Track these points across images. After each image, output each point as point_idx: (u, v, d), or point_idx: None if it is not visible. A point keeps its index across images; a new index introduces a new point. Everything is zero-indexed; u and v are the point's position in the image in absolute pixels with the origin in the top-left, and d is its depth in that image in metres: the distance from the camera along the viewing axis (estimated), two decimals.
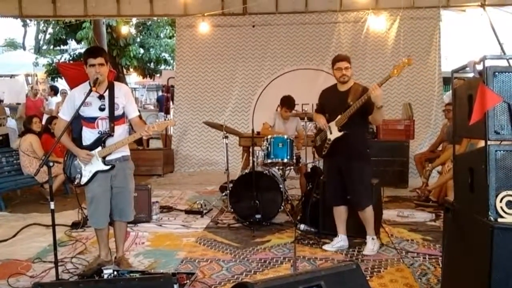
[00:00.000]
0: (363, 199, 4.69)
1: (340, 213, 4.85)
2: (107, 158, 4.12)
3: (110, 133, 4.10)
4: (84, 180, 4.13)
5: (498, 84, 2.67)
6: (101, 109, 4.09)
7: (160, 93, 18.92)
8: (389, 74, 4.41)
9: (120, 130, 4.19)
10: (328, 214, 5.07)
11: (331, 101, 4.79)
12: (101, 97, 4.09)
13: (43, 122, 8.56)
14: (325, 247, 4.84)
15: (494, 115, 2.66)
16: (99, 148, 4.10)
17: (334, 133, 4.67)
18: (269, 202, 5.70)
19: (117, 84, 4.27)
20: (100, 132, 4.11)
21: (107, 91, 4.12)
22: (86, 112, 4.08)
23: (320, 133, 4.87)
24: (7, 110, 12.34)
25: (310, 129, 7.55)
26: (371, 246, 4.69)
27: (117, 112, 4.15)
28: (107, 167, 4.13)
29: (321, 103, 4.98)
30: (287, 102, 6.65)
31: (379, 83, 4.40)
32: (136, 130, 4.22)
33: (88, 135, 4.13)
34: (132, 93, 20.98)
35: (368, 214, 4.71)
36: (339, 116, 4.61)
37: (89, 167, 4.11)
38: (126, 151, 4.27)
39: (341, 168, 4.69)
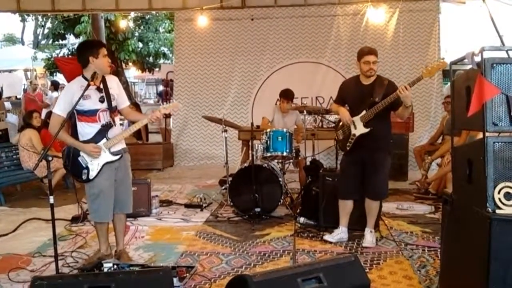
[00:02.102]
0: (383, 190, 4.72)
1: (347, 207, 4.84)
2: (113, 149, 4.12)
3: (113, 124, 4.12)
4: (93, 174, 4.07)
5: (496, 76, 2.67)
6: (101, 101, 4.08)
7: (162, 87, 18.92)
8: (421, 75, 4.31)
9: (117, 121, 4.24)
10: (327, 207, 5.09)
11: (354, 95, 4.70)
12: (99, 89, 4.09)
13: (43, 116, 8.55)
14: (326, 237, 4.86)
15: (492, 106, 2.66)
16: (104, 140, 4.08)
17: (359, 129, 4.59)
18: (268, 196, 5.71)
19: (107, 76, 4.24)
20: (102, 125, 4.08)
21: (102, 83, 4.12)
22: (87, 105, 4.02)
23: (342, 127, 4.78)
24: (9, 104, 12.34)
25: (310, 122, 7.55)
26: (370, 238, 4.70)
27: (114, 103, 4.17)
28: (116, 157, 4.13)
29: (342, 96, 4.85)
30: (285, 93, 6.63)
31: (410, 83, 4.32)
32: (130, 119, 4.22)
33: (87, 129, 4.07)
34: (131, 87, 20.86)
35: (376, 205, 4.74)
36: (364, 112, 4.53)
37: (97, 160, 4.06)
38: (124, 143, 4.30)
39: (365, 161, 4.63)
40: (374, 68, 4.56)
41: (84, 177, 4.08)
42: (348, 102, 4.79)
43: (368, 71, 4.55)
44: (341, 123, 4.84)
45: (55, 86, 13.21)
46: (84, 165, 4.07)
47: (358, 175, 4.69)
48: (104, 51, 4.09)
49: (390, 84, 4.56)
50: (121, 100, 4.28)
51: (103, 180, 4.10)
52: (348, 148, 4.71)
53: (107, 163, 4.10)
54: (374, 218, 4.77)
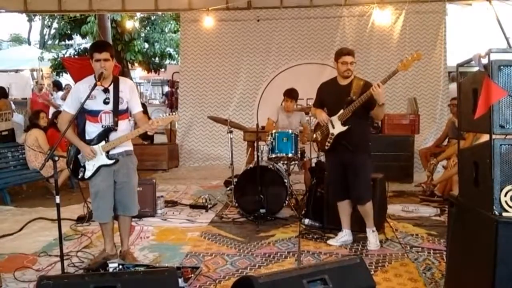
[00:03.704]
0: (365, 193, 4.68)
1: (344, 208, 4.84)
2: (111, 153, 4.13)
3: (113, 128, 4.10)
4: (88, 174, 4.14)
5: (503, 78, 2.66)
6: (106, 103, 4.09)
7: (167, 88, 18.98)
8: (396, 69, 4.38)
9: (124, 125, 4.19)
10: (332, 209, 5.07)
11: (331, 95, 4.76)
12: (106, 90, 4.09)
13: (49, 116, 8.59)
14: (330, 241, 4.84)
15: (499, 109, 2.65)
16: (103, 143, 4.10)
17: (337, 128, 4.63)
18: (273, 197, 5.71)
19: (122, 79, 4.27)
20: (103, 126, 4.10)
21: (112, 85, 4.12)
22: (90, 105, 4.06)
23: (321, 128, 4.83)
24: (13, 104, 12.38)
25: (315, 124, 7.54)
26: (373, 239, 4.68)
27: (121, 106, 4.14)
28: (111, 162, 4.13)
29: (320, 97, 4.92)
30: (288, 92, 6.60)
31: (382, 80, 4.38)
32: (140, 125, 4.21)
33: (91, 129, 4.12)
34: (137, 88, 20.97)
35: (368, 207, 4.71)
36: (341, 111, 4.58)
37: (93, 162, 4.11)
38: (129, 146, 4.28)
39: (344, 162, 4.67)
40: (351, 69, 4.64)
41: (80, 175, 4.18)
42: (326, 103, 4.83)
43: (345, 71, 4.62)
44: (318, 125, 4.88)
45: (58, 86, 13.25)
46: (81, 164, 4.15)
47: (344, 175, 4.70)
48: (96, 55, 4.02)
49: (366, 83, 4.60)
50: (132, 105, 4.25)
51: (99, 181, 4.14)
52: (326, 148, 4.74)
53: (103, 165, 4.13)
54: (370, 218, 4.74)
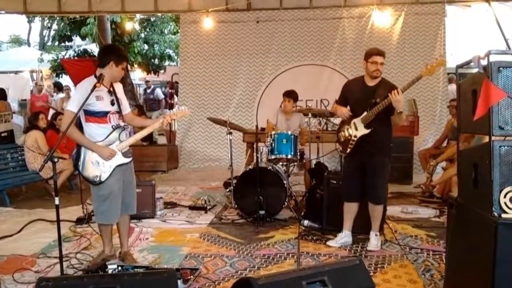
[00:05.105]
0: (383, 194, 4.70)
1: (351, 210, 4.82)
2: (124, 151, 4.16)
3: (124, 127, 4.16)
4: (104, 176, 4.06)
5: (502, 79, 2.67)
6: (112, 104, 4.12)
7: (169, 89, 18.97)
8: (420, 74, 4.35)
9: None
10: (332, 210, 5.08)
11: (356, 95, 4.69)
12: (109, 92, 4.12)
13: (49, 118, 8.58)
14: (329, 243, 4.84)
15: (499, 110, 2.66)
16: (117, 142, 4.10)
17: (360, 130, 4.59)
18: (273, 198, 5.70)
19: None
20: (113, 127, 4.11)
21: (111, 87, 4.17)
22: (99, 106, 4.03)
23: (343, 129, 4.78)
24: (15, 106, 12.37)
25: (314, 125, 7.54)
26: (375, 241, 4.69)
27: (121, 107, 4.20)
28: (128, 160, 4.17)
29: (345, 95, 4.84)
30: (288, 93, 6.58)
31: (402, 88, 4.36)
32: (132, 124, 4.26)
33: (99, 130, 4.07)
34: (137, 89, 20.89)
35: (380, 209, 4.73)
36: (365, 113, 4.54)
37: (109, 162, 4.06)
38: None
39: (364, 163, 4.64)
40: (381, 69, 4.58)
41: (97, 179, 4.05)
42: (350, 103, 4.78)
43: (374, 71, 4.56)
44: (342, 125, 4.85)
45: (59, 87, 13.25)
46: (99, 167, 4.06)
47: (360, 177, 4.69)
48: (125, 64, 4.17)
49: (393, 87, 4.55)
50: (125, 105, 4.30)
51: (114, 182, 4.10)
52: (349, 150, 4.71)
53: (118, 165, 4.11)
54: (378, 221, 4.76)
